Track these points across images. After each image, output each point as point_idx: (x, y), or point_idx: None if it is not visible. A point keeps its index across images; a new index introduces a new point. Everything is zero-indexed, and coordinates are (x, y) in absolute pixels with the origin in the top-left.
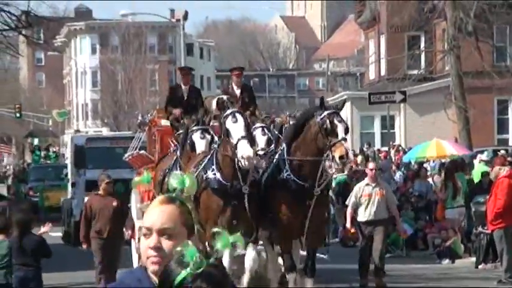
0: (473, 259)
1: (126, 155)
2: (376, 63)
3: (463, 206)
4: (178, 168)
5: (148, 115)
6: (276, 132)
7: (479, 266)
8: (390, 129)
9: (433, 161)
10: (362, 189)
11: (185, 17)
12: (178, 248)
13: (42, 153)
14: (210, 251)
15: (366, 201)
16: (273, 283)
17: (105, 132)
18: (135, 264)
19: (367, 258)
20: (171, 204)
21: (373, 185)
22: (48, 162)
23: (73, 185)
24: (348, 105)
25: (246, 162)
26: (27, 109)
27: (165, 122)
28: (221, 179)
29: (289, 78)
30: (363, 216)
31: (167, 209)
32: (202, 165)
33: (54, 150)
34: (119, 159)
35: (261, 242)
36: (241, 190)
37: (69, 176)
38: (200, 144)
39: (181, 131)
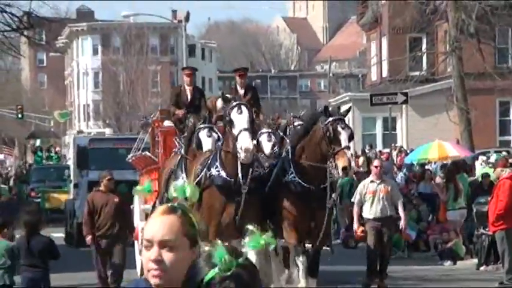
0: (475, 261)
1: (129, 156)
2: (378, 64)
3: (465, 207)
4: (183, 167)
5: (152, 116)
6: (281, 134)
7: (481, 268)
8: (392, 130)
9: (435, 163)
10: (366, 186)
11: (187, 18)
12: (206, 248)
13: (44, 154)
14: (238, 250)
15: (370, 198)
16: (276, 283)
17: (108, 133)
18: (138, 266)
19: (376, 260)
20: (172, 214)
21: (378, 182)
22: (50, 163)
23: (75, 186)
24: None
25: (244, 154)
26: (29, 110)
27: (168, 123)
28: (225, 176)
29: (291, 80)
30: (368, 213)
31: (168, 219)
32: (207, 163)
33: (56, 151)
34: (122, 160)
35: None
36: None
37: (72, 176)
38: (207, 142)
39: (185, 135)
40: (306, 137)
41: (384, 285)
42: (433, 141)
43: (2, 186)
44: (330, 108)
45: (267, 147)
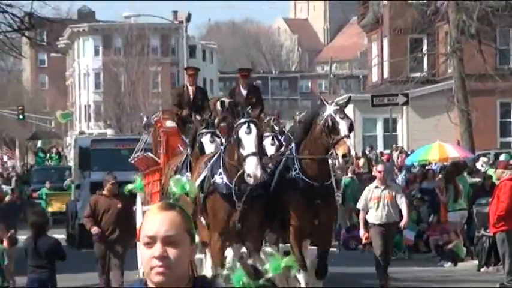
0: (476, 262)
1: (132, 157)
2: (379, 65)
3: (465, 209)
4: (188, 165)
5: (154, 116)
6: (289, 135)
7: (482, 269)
8: (393, 131)
9: (435, 164)
10: (371, 191)
11: (188, 19)
12: (225, 272)
13: (46, 155)
14: (260, 271)
15: (375, 204)
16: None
17: (110, 134)
18: (140, 266)
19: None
20: (171, 210)
21: (382, 187)
22: (52, 164)
23: (77, 187)
24: (350, 107)
25: (252, 180)
26: (30, 111)
27: (170, 123)
28: (229, 183)
29: (292, 81)
30: (374, 219)
31: (169, 215)
32: (210, 165)
33: (58, 151)
34: (124, 161)
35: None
36: (249, 194)
37: (73, 177)
38: (210, 148)
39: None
40: (308, 132)
41: (386, 286)
42: (433, 143)
43: (5, 187)
44: (329, 101)
45: (270, 151)
